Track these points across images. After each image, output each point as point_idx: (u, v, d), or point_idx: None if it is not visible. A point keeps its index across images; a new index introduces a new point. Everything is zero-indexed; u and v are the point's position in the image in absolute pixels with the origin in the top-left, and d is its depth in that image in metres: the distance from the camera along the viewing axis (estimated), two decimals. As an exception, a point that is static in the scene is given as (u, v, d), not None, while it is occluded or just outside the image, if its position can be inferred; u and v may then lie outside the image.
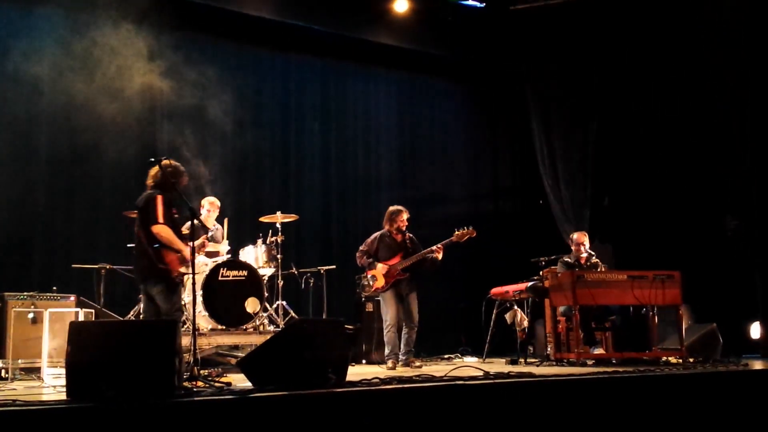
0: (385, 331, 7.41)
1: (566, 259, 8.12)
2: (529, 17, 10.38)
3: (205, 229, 7.46)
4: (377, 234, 7.65)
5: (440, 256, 7.32)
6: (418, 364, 7.24)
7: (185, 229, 5.84)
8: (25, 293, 6.73)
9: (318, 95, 10.60)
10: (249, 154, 9.75)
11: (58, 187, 8.52)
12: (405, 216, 7.53)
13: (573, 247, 8.15)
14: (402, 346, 7.34)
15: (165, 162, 5.68)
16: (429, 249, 7.35)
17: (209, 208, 7.74)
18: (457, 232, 7.45)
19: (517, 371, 5.78)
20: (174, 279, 5.56)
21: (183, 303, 7.01)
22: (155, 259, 5.46)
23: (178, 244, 5.55)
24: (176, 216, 5.70)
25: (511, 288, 8.46)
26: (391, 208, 7.65)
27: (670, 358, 7.12)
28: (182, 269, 5.59)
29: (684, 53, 9.24)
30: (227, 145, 9.55)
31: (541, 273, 8.44)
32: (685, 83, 9.37)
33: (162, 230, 5.47)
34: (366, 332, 8.72)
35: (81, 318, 6.35)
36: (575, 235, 8.24)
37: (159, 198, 5.56)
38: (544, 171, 10.81)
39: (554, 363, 7.46)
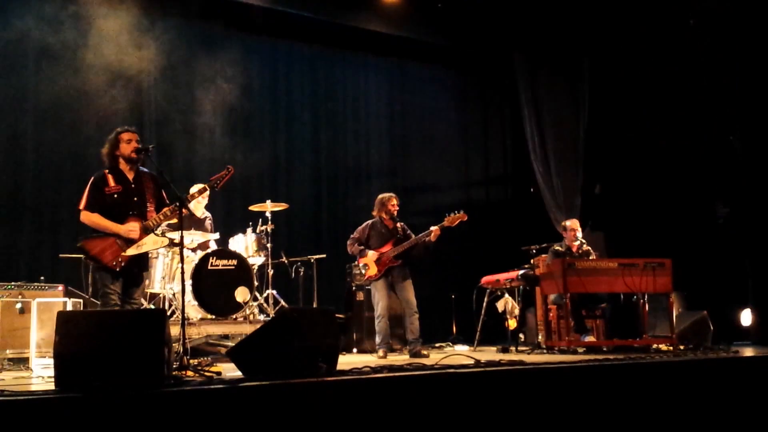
0: (376, 321, 7.37)
1: (557, 248, 8.12)
2: (520, 2, 10.32)
3: (194, 218, 7.42)
4: (369, 222, 7.62)
5: (434, 238, 7.23)
6: (425, 353, 7.08)
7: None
8: (12, 283, 6.67)
9: (307, 82, 10.52)
10: (238, 141, 9.66)
11: (45, 176, 8.43)
12: (395, 201, 7.50)
13: (567, 234, 8.14)
14: (408, 335, 7.29)
15: (114, 135, 5.48)
16: (424, 233, 7.29)
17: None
18: (448, 217, 7.39)
19: (508, 359, 5.77)
20: (108, 267, 5.24)
21: (173, 293, 6.98)
22: (84, 253, 5.30)
23: (110, 226, 5.26)
24: (116, 195, 5.34)
25: (502, 276, 8.46)
26: (381, 194, 7.63)
27: (660, 346, 7.14)
28: (127, 252, 5.27)
29: (675, 38, 9.22)
30: (216, 131, 9.47)
31: (531, 261, 8.44)
32: (676, 69, 9.36)
33: (86, 217, 5.29)
34: (357, 321, 8.71)
35: (69, 308, 6.30)
36: (568, 223, 8.24)
37: (90, 181, 5.37)
38: (535, 159, 10.79)
39: (545, 351, 7.47)
